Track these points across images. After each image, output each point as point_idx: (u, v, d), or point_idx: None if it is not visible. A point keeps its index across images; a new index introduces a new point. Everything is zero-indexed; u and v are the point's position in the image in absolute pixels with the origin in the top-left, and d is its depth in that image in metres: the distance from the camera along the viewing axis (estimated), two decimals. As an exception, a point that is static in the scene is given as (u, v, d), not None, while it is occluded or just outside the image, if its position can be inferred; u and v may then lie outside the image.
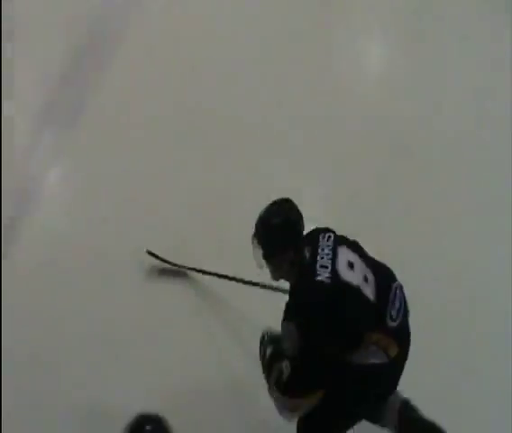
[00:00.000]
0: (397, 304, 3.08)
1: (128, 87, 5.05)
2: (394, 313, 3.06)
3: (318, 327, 2.86)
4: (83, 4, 5.40)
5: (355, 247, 3.10)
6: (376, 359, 3.00)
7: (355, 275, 2.98)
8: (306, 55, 5.38)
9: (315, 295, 2.90)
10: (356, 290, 2.95)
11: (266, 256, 3.02)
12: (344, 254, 3.00)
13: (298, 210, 3.08)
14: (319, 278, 2.90)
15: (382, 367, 3.02)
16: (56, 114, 4.94)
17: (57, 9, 5.29)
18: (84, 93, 5.02)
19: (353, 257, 3.02)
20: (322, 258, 2.95)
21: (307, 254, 2.98)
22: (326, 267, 2.92)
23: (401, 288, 3.15)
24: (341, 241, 3.06)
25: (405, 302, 3.14)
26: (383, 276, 3.10)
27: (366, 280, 3.01)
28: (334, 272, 2.92)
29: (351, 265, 2.99)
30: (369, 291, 3.00)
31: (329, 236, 3.03)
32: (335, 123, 5.11)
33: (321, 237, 3.03)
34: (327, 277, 2.90)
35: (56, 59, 5.12)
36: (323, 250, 2.99)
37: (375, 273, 3.07)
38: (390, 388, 3.17)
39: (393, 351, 3.03)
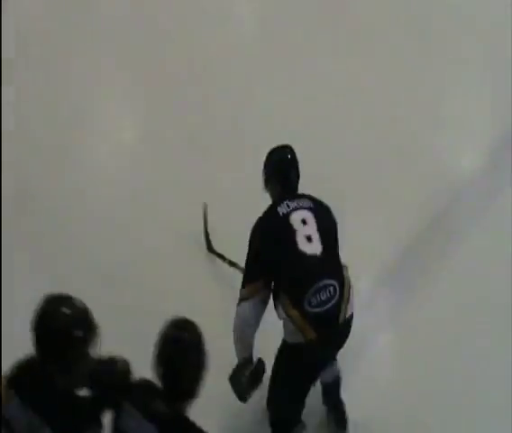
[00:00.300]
0: (322, 297, 3.34)
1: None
2: (314, 302, 3.34)
3: (255, 239, 3.46)
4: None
5: (323, 219, 3.49)
6: (295, 339, 3.38)
7: (302, 232, 3.40)
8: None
9: (266, 215, 3.50)
10: (293, 238, 3.38)
11: (263, 182, 3.60)
12: (303, 214, 3.44)
13: (293, 160, 3.61)
14: (278, 208, 3.46)
15: (301, 347, 3.38)
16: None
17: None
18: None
19: (311, 222, 3.43)
20: (290, 201, 3.46)
21: (285, 196, 3.51)
22: (288, 206, 3.45)
23: (337, 289, 3.40)
24: (313, 206, 3.49)
25: (337, 303, 3.40)
26: (324, 266, 3.41)
27: (309, 240, 3.40)
28: (287, 214, 3.43)
29: (304, 221, 3.42)
30: (307, 248, 3.39)
31: (308, 197, 3.52)
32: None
33: (301, 194, 3.55)
34: (282, 212, 3.45)
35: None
36: (294, 199, 3.49)
37: (323, 252, 3.40)
38: (315, 366, 3.55)
39: (309, 334, 3.35)
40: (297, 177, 3.57)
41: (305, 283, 3.32)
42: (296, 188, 3.56)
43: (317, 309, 3.32)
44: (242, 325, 3.40)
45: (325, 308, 3.33)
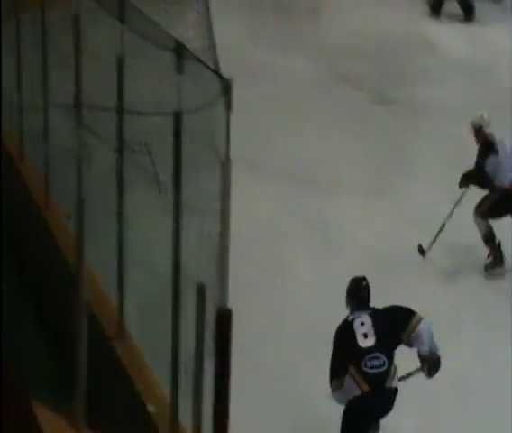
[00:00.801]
0: (375, 363, 5.18)
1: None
2: (369, 364, 5.18)
3: (334, 342, 5.32)
4: None
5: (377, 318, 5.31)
6: (354, 391, 5.15)
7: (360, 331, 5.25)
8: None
9: (340, 324, 5.36)
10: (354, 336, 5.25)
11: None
12: (363, 318, 5.29)
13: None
14: (348, 317, 5.37)
15: (359, 397, 5.15)
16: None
17: None
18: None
19: (368, 322, 5.29)
20: (357, 311, 5.37)
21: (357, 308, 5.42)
22: (354, 315, 5.36)
23: (386, 362, 5.22)
24: (372, 312, 5.35)
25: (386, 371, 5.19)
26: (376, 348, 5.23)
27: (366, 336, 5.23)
28: (352, 320, 5.31)
29: (362, 324, 5.26)
30: (363, 343, 5.23)
31: (372, 308, 5.42)
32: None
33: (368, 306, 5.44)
34: (350, 318, 5.34)
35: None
36: (361, 310, 5.36)
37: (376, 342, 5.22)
38: (371, 413, 5.27)
39: (364, 387, 5.12)
40: (368, 296, 5.41)
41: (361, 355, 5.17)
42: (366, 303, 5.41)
43: (371, 371, 5.13)
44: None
45: (377, 371, 5.13)
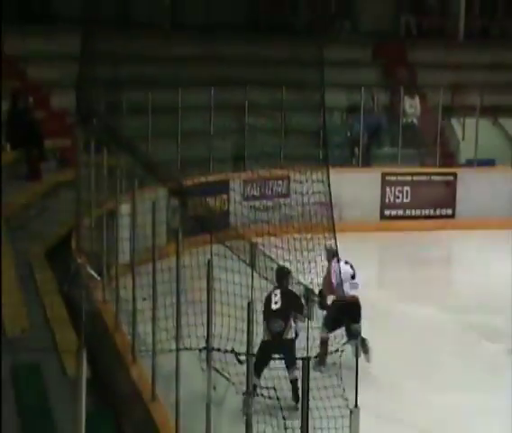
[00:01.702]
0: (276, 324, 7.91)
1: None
2: (271, 324, 7.87)
3: None
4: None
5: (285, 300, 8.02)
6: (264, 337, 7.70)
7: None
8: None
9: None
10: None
11: None
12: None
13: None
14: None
15: (264, 342, 7.71)
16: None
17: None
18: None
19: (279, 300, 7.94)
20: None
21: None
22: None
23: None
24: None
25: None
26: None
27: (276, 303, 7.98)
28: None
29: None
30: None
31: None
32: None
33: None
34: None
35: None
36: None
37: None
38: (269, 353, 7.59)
39: (268, 337, 7.78)
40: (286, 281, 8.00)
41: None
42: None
43: (273, 328, 7.86)
44: None
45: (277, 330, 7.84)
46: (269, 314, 7.84)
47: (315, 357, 7.50)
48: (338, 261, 8.72)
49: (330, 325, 8.48)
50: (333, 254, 8.58)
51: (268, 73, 15.13)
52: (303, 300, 7.44)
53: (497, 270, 13.23)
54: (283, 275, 7.89)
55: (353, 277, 8.94)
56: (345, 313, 8.52)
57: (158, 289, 6.83)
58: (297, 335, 7.77)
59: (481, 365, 9.51)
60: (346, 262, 8.93)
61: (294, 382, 7.36)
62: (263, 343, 7.63)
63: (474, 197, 15.35)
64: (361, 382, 4.79)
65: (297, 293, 7.77)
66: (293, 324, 7.78)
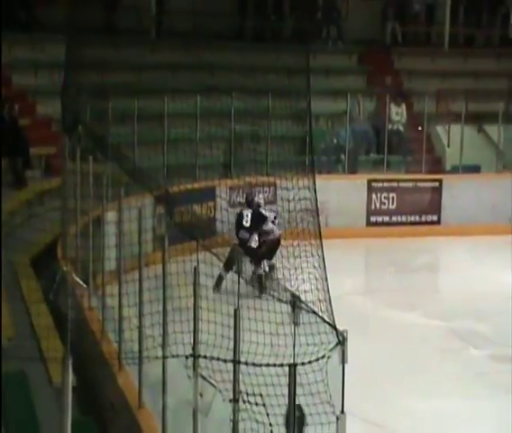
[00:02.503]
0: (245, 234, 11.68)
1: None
2: (241, 234, 11.65)
3: None
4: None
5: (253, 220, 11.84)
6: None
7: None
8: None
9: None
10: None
11: None
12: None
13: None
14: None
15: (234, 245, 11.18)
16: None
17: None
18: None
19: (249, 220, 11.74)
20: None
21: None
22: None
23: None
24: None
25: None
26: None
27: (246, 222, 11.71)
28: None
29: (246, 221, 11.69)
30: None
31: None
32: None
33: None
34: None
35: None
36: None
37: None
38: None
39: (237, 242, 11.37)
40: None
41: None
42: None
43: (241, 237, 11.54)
44: None
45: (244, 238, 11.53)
46: (239, 227, 11.61)
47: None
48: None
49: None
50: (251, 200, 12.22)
51: (254, 81, 15.15)
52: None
53: (481, 276, 13.31)
54: (251, 200, 12.22)
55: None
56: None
57: (144, 296, 6.83)
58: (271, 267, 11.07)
59: (465, 371, 9.55)
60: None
61: (259, 276, 11.02)
62: (234, 245, 10.97)
63: (459, 203, 15.44)
64: (347, 388, 4.81)
65: (262, 213, 11.81)
66: (255, 237, 11.46)
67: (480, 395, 8.82)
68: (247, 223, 11.68)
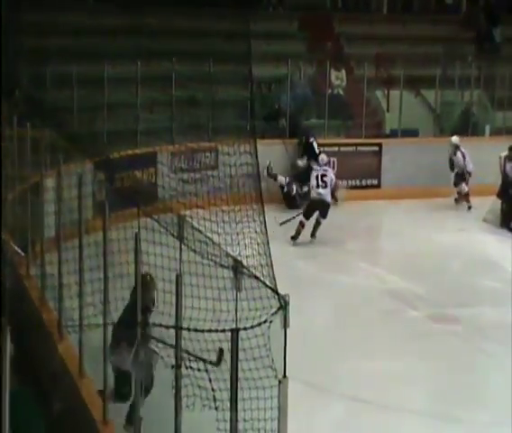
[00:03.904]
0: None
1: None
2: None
3: None
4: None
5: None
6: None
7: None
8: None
9: None
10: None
11: None
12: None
13: None
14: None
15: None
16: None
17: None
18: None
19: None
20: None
21: None
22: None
23: None
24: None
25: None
26: None
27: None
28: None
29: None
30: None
31: None
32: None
33: None
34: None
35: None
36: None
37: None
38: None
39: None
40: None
41: None
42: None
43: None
44: None
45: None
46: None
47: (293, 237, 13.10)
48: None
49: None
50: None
51: (195, 45, 15.03)
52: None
53: (420, 238, 13.55)
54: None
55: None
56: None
57: (84, 263, 6.76)
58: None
59: (405, 332, 9.73)
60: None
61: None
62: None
63: (399, 167, 15.62)
64: (289, 352, 4.85)
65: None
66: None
67: (420, 355, 9.00)
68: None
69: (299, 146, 15.62)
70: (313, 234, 13.35)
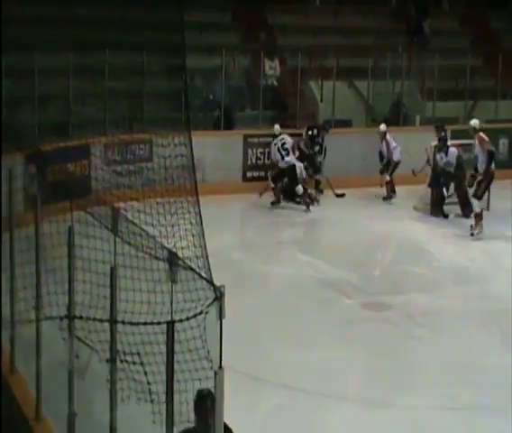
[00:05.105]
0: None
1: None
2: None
3: None
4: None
5: None
6: None
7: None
8: None
9: None
10: None
11: None
12: None
13: None
14: None
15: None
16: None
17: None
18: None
19: None
20: None
21: None
22: None
23: None
24: None
25: None
26: None
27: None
28: None
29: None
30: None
31: None
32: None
33: None
34: None
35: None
36: None
37: None
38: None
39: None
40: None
41: None
42: None
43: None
44: None
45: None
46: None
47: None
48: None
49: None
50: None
51: (128, 36, 14.88)
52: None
53: (353, 228, 13.72)
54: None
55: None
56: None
57: (16, 258, 6.64)
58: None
59: (340, 321, 9.85)
60: None
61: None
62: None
63: (333, 157, 15.76)
64: (225, 344, 4.85)
65: None
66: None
67: (354, 343, 9.12)
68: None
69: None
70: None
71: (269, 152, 15.84)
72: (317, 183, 15.67)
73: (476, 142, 13.69)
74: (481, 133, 13.80)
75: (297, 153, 15.44)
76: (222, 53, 16.03)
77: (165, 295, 5.51)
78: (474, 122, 14.00)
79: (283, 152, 14.88)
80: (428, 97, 18.09)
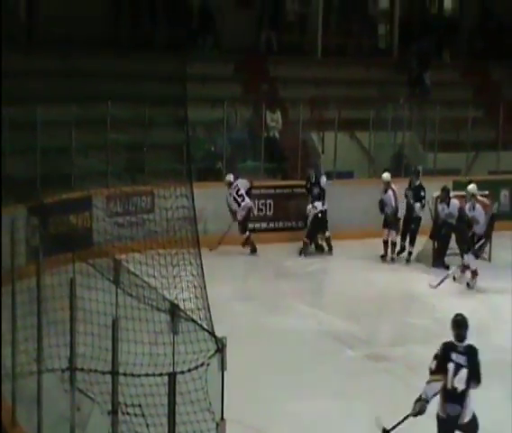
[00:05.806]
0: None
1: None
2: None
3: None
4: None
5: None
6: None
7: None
8: None
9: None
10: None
11: None
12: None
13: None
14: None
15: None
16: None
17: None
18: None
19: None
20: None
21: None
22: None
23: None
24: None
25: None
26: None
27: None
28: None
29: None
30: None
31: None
32: None
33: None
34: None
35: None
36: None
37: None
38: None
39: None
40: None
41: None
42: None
43: None
44: None
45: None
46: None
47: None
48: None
49: None
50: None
51: (130, 88, 15.01)
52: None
53: (355, 279, 13.69)
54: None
55: None
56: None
57: (17, 310, 6.62)
58: None
59: (342, 372, 9.78)
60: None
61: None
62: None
63: (334, 208, 15.78)
64: (227, 395, 4.83)
65: None
66: None
67: (356, 395, 9.05)
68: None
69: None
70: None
71: (269, 204, 15.89)
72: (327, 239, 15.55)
73: (477, 206, 13.66)
74: (480, 198, 13.82)
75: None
76: (223, 105, 16.15)
77: (167, 346, 5.49)
78: (471, 187, 13.91)
79: (239, 199, 15.09)
80: (430, 149, 18.16)
